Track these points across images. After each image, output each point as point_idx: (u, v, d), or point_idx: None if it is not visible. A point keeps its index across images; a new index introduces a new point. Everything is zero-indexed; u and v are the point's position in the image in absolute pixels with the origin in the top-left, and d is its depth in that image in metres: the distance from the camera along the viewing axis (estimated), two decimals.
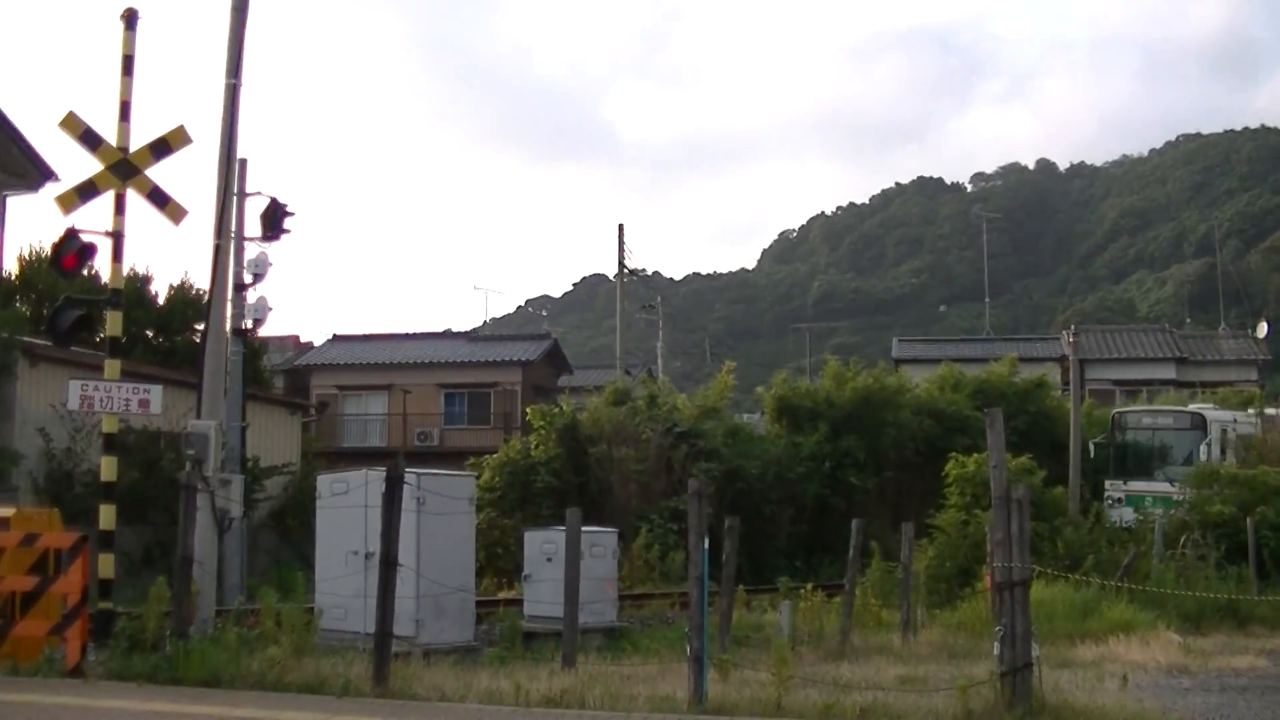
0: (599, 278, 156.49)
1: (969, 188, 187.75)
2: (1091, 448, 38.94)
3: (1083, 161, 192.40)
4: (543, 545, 21.94)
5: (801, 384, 44.93)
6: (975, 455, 27.83)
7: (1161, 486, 34.85)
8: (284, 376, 58.72)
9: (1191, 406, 39.82)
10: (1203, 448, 35.72)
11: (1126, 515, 33.18)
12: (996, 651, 11.43)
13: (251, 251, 29.32)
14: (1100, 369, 54.47)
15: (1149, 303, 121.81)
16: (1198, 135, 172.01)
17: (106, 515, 15.91)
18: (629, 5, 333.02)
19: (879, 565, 25.82)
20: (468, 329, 69.97)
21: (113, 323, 16.20)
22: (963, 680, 11.87)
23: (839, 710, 11.46)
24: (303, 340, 69.88)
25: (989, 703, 11.25)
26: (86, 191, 16.08)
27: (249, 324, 29.67)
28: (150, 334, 40.65)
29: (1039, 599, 19.97)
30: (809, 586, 22.26)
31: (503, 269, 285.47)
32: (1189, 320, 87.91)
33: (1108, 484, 37.17)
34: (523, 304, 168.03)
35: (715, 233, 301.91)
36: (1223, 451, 36.00)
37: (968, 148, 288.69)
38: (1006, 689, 11.19)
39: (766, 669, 12.64)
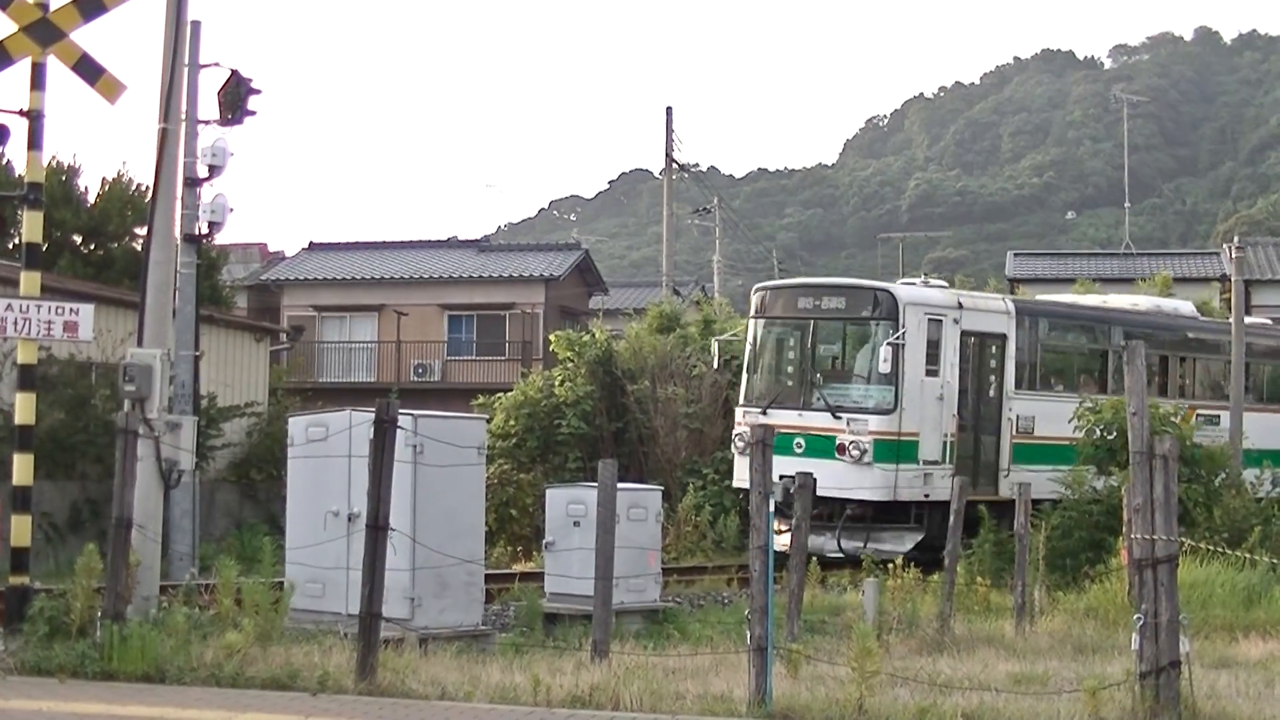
0: (641, 174, 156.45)
1: (1107, 63, 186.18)
2: (714, 350, 34.29)
3: (1254, 30, 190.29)
4: (569, 506, 21.94)
5: None
6: (1110, 398, 27.66)
7: (819, 419, 29.04)
8: (248, 294, 58.83)
9: (899, 284, 31.99)
10: (882, 352, 27.92)
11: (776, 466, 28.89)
12: (1135, 646, 11.38)
13: (207, 138, 29.26)
14: (1272, 292, 53.84)
15: None
16: None
17: (22, 467, 15.97)
18: None
19: (988, 534, 25.76)
20: (477, 237, 69.80)
21: (31, 225, 16.21)
22: (1092, 681, 11.85)
23: (936, 715, 11.46)
24: (271, 250, 69.99)
25: (1125, 709, 11.23)
26: None
27: (204, 228, 29.60)
28: (79, 240, 40.74)
29: (1190, 581, 19.92)
30: (899, 560, 22.22)
31: (521, 163, 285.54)
32: None
33: (739, 413, 30.81)
34: (546, 206, 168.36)
35: (786, 119, 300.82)
36: (933, 359, 29.00)
37: (1106, 12, 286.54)
38: (1147, 692, 11.15)
39: (846, 663, 12.62)
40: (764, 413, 29.17)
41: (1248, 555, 20.77)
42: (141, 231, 34.46)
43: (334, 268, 61.91)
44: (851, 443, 28.06)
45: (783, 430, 27.30)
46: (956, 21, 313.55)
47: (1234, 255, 40.01)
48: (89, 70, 16.31)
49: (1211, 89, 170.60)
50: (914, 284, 31.47)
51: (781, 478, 23.95)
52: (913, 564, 22.19)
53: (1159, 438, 11.66)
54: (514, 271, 60.15)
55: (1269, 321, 41.41)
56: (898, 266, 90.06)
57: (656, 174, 77.89)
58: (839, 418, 28.35)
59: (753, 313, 31.50)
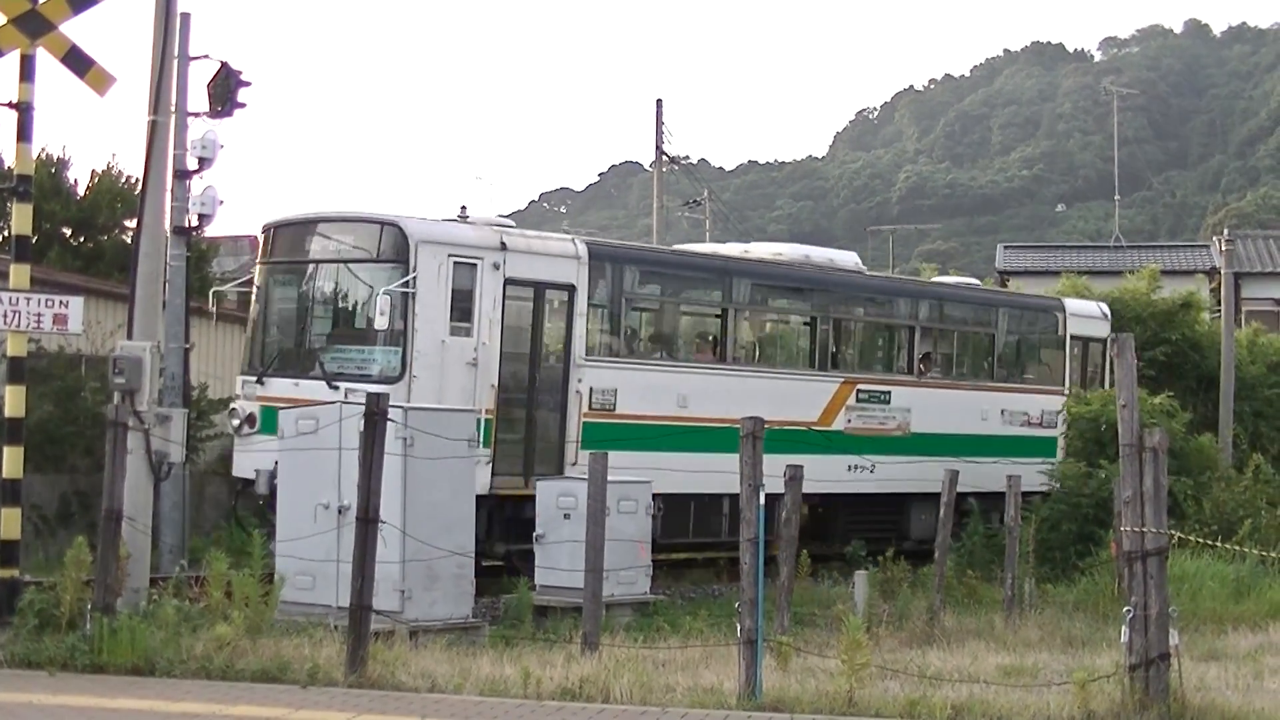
0: (632, 166, 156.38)
1: (1097, 56, 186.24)
2: (212, 300, 27.54)
3: (1244, 23, 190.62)
4: (559, 498, 21.93)
5: None
6: (1100, 391, 27.68)
7: (315, 390, 22.39)
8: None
9: (427, 218, 24.69)
10: (381, 302, 22.09)
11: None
12: (1125, 638, 11.41)
13: (197, 130, 29.21)
14: (1262, 285, 53.77)
15: None
16: None
17: (12, 460, 15.93)
18: None
19: (977, 527, 25.79)
20: None
21: (20, 217, 16.18)
22: (1081, 673, 11.86)
23: (926, 707, 11.48)
24: None
25: (1115, 701, 11.24)
26: None
27: (194, 220, 29.53)
28: (68, 232, 40.64)
29: (1180, 573, 19.98)
30: (889, 553, 22.25)
31: (511, 156, 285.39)
32: None
33: (238, 383, 25.05)
34: (535, 198, 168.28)
35: (776, 112, 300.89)
36: (462, 314, 23.10)
37: (1096, 4, 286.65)
38: (1137, 685, 11.16)
39: (836, 655, 12.66)
40: (260, 382, 23.72)
41: (1237, 548, 20.80)
42: (131, 224, 34.37)
43: None
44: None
45: (277, 404, 21.89)
46: (946, 14, 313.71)
47: (1224, 248, 40.12)
48: (78, 62, 16.27)
49: (1201, 82, 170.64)
50: (453, 220, 24.71)
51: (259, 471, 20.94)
52: (904, 557, 22.21)
53: (1149, 430, 11.67)
54: None
55: (975, 280, 37.62)
56: (888, 259, 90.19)
57: (647, 166, 77.84)
58: (335, 387, 22.20)
59: (259, 256, 25.89)
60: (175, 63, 20.43)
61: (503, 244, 23.67)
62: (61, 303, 16.25)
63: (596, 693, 12.24)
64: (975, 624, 19.53)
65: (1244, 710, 11.58)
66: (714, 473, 22.73)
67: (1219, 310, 40.36)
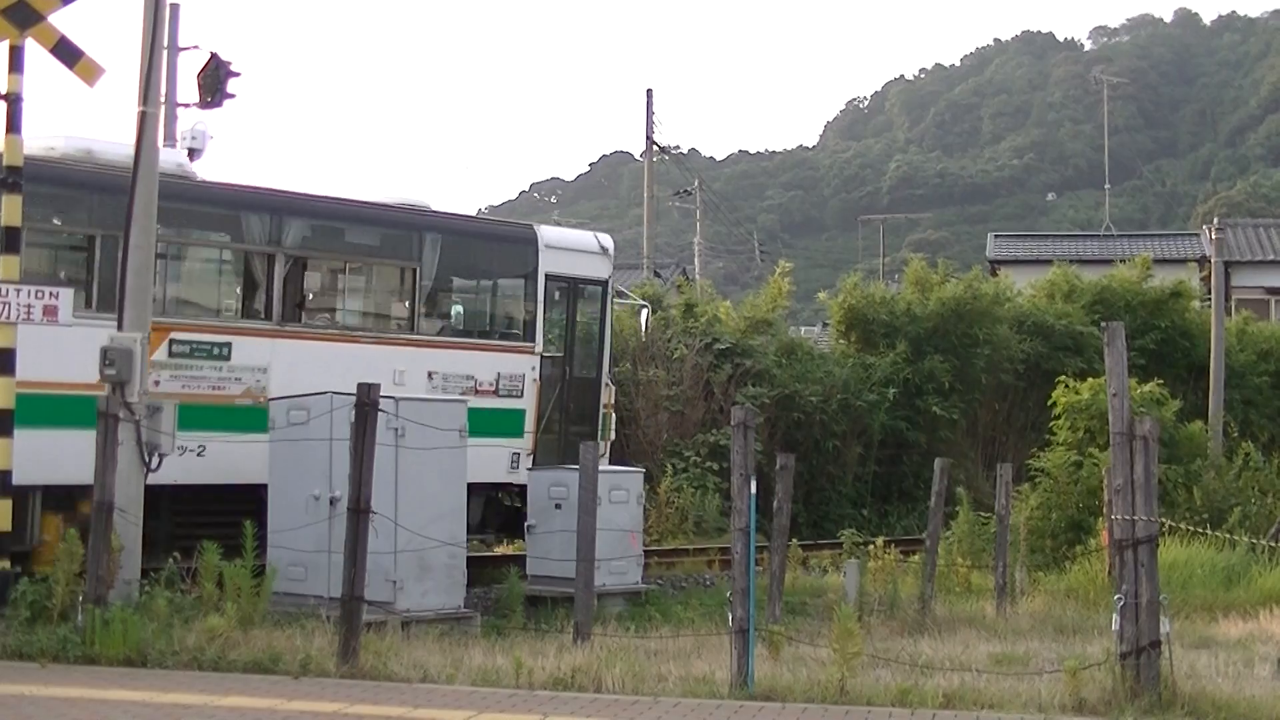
0: (622, 156, 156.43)
1: (1087, 45, 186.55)
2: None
3: (1234, 11, 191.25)
4: (551, 488, 21.91)
5: (876, 290, 44.51)
6: (1090, 380, 27.67)
7: None
8: None
9: None
10: None
11: None
12: (1115, 626, 11.41)
13: (187, 121, 29.31)
14: (1252, 273, 53.78)
15: None
16: None
17: (2, 451, 15.92)
18: None
19: (968, 516, 25.78)
20: None
21: (10, 209, 16.14)
22: (1072, 661, 11.86)
23: (917, 696, 11.47)
24: None
25: (1106, 689, 11.24)
26: None
27: None
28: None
29: (1170, 561, 20.01)
30: (880, 541, 22.24)
31: (501, 145, 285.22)
32: None
33: None
34: (526, 189, 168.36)
35: (767, 101, 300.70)
36: None
37: None
38: (1128, 672, 11.17)
39: (827, 644, 12.66)
40: None
41: (1227, 536, 20.84)
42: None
43: None
44: None
45: None
46: (936, 3, 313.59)
47: (1214, 237, 40.13)
48: (68, 53, 16.23)
49: (1191, 71, 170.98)
50: None
51: None
52: (895, 546, 22.21)
53: (1139, 418, 11.68)
54: None
55: (422, 202, 25.52)
56: (879, 248, 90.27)
57: (637, 156, 77.99)
58: None
59: None
60: (165, 53, 20.42)
61: None
62: (51, 294, 16.20)
63: (588, 682, 12.24)
64: (967, 612, 19.55)
65: (1235, 698, 11.58)
66: None
67: (1209, 299, 40.34)
